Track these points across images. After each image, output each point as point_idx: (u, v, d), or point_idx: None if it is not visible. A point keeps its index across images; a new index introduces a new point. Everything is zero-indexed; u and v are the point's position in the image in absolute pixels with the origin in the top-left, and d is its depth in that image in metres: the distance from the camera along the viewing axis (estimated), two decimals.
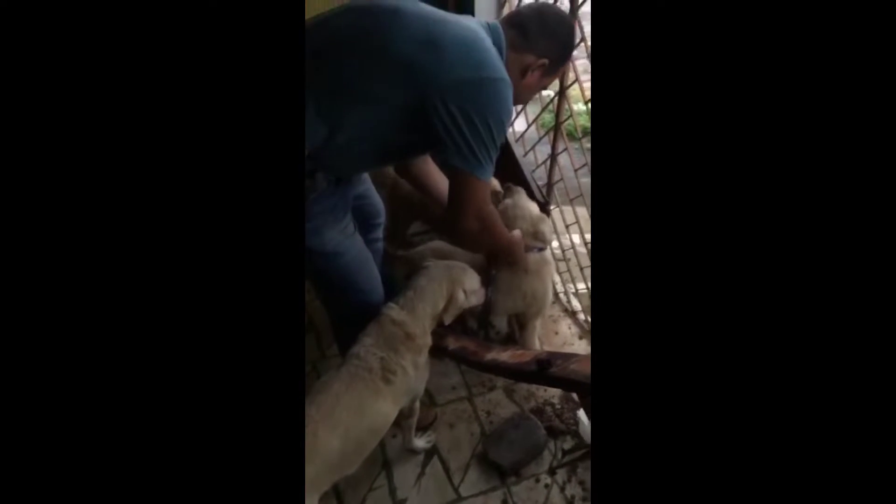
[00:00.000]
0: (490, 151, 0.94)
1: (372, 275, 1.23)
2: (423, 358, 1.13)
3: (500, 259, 1.33)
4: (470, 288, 1.16)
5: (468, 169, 0.94)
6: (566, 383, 1.04)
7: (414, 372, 1.10)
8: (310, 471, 0.89)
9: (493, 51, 0.94)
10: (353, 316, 1.17)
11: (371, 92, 0.91)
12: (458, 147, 0.91)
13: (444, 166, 0.96)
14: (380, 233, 1.41)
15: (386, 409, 1.06)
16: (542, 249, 1.39)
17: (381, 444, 1.34)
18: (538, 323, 1.53)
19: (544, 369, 1.05)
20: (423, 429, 1.38)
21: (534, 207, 1.43)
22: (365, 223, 1.28)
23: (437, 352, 1.22)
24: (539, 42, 1.01)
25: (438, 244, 1.61)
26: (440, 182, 1.27)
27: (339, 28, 0.94)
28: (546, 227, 1.39)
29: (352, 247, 1.15)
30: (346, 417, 0.98)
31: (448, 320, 1.15)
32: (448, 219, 1.06)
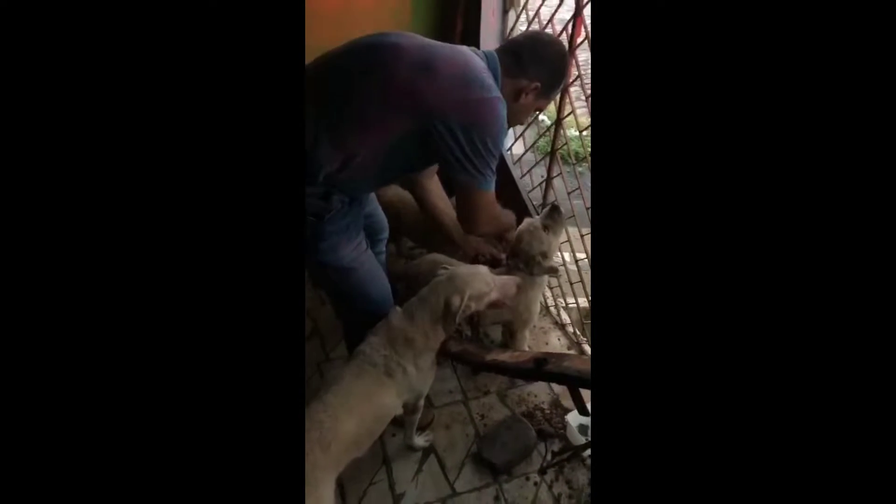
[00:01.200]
0: (490, 164, 1.04)
1: (383, 287, 1.32)
2: (426, 360, 1.19)
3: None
4: (474, 293, 1.15)
5: (474, 184, 1.04)
6: (561, 378, 1.14)
7: (415, 372, 1.16)
8: (333, 450, 0.97)
9: (484, 71, 1.03)
10: (365, 324, 1.24)
11: (379, 120, 1.00)
12: (461, 164, 1.01)
13: (450, 181, 1.08)
14: (383, 247, 1.52)
15: (390, 399, 1.14)
16: (532, 273, 1.47)
17: (382, 442, 1.41)
18: (526, 333, 1.63)
19: (541, 367, 1.14)
20: (421, 429, 1.44)
21: (541, 246, 1.43)
22: (370, 238, 1.37)
23: (442, 354, 1.28)
24: (531, 67, 1.11)
25: (436, 257, 1.70)
26: (443, 199, 1.40)
27: (347, 64, 1.03)
28: (536, 266, 1.44)
29: (365, 262, 1.24)
30: (359, 404, 1.07)
31: (449, 327, 1.18)
32: (465, 229, 1.18)
